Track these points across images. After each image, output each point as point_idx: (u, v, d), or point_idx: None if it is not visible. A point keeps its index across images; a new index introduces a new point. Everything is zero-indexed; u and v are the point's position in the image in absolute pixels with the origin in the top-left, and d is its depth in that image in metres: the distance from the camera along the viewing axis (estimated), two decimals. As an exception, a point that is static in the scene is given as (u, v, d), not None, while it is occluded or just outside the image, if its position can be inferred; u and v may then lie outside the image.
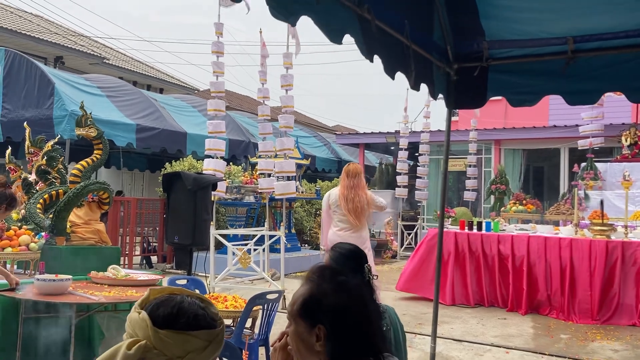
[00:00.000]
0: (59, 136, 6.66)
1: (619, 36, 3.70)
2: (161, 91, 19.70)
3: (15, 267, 4.56)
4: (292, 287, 8.11)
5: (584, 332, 6.10)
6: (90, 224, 4.93)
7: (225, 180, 8.69)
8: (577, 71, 3.86)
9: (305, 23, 2.53)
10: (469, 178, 12.78)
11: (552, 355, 5.23)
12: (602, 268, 6.44)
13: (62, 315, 3.96)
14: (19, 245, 4.45)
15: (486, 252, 7.31)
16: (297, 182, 10.31)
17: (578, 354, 5.27)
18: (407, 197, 13.05)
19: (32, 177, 5.25)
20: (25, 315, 3.66)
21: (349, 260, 2.33)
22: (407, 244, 13.14)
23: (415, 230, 13.32)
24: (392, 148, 15.52)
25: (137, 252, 10.89)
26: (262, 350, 4.43)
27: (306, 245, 12.43)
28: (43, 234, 4.64)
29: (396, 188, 12.81)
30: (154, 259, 10.98)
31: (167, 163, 11.02)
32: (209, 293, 5.28)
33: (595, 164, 10.34)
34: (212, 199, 7.17)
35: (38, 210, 4.73)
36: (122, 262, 8.90)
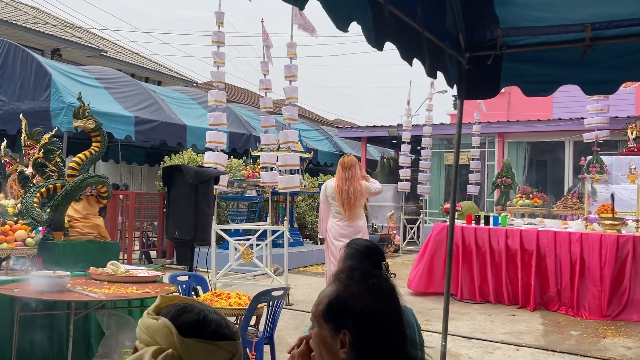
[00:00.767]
0: (57, 129, 6.51)
1: (638, 23, 3.55)
2: (159, 84, 19.50)
3: (11, 262, 4.41)
4: (296, 283, 8.01)
5: (594, 328, 5.97)
6: (89, 219, 4.79)
7: (227, 173, 8.53)
8: (595, 60, 3.71)
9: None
10: (472, 172, 12.64)
11: (563, 353, 5.10)
12: (613, 263, 6.31)
13: (59, 313, 3.83)
14: (15, 241, 4.30)
15: (494, 247, 7.17)
16: (300, 176, 10.17)
17: (590, 351, 5.15)
18: (409, 191, 12.91)
19: (29, 171, 5.09)
20: (21, 313, 3.51)
21: (365, 257, 2.20)
22: (410, 238, 13.02)
23: (417, 224, 13.19)
24: (394, 141, 15.37)
25: (136, 247, 10.75)
26: (266, 348, 4.30)
27: (308, 239, 12.29)
28: (40, 228, 4.49)
29: (398, 182, 12.68)
30: (153, 254, 10.84)
31: (166, 156, 10.83)
32: (211, 289, 5.14)
33: (601, 157, 10.20)
34: (214, 193, 7.02)
35: (35, 205, 4.58)
36: (121, 258, 8.77)
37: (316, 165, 15.13)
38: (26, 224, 4.58)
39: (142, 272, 4.39)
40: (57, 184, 4.78)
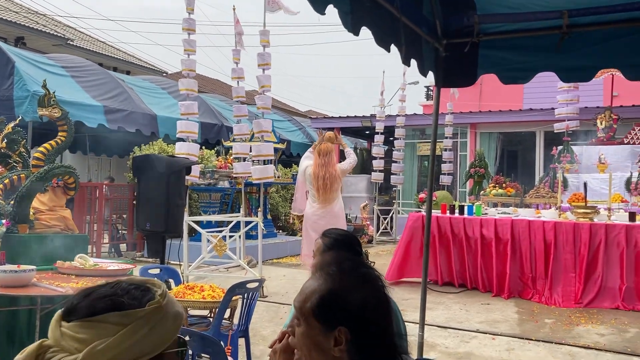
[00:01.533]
0: (20, 118, 6.25)
1: (615, 9, 3.52)
2: (128, 73, 19.08)
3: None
4: (270, 275, 7.91)
5: (567, 316, 6.03)
6: (55, 211, 4.63)
7: (199, 164, 8.37)
8: (572, 47, 3.68)
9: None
10: (445, 162, 12.71)
11: (538, 341, 5.13)
12: (586, 251, 6.38)
13: (25, 309, 3.68)
14: (-23, 234, 4.12)
15: (469, 235, 7.20)
16: (274, 167, 10.06)
17: (564, 338, 5.19)
18: (382, 181, 12.92)
19: (-9, 161, 4.89)
20: (-17, 309, 3.36)
21: (345, 246, 2.12)
22: (383, 229, 13.04)
23: (390, 215, 13.21)
24: (367, 132, 15.35)
25: (106, 240, 10.51)
26: (241, 342, 4.21)
27: (281, 231, 12.20)
28: (4, 221, 4.32)
29: (372, 173, 12.67)
30: (122, 247, 10.62)
31: (136, 147, 10.57)
32: (184, 282, 5.02)
33: (571, 147, 10.33)
34: (186, 184, 6.87)
35: (-2, 196, 4.39)
36: (90, 251, 8.55)
37: (289, 157, 15.01)
38: (-12, 216, 4.39)
39: (112, 265, 4.26)
40: (21, 175, 4.61)
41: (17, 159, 4.93)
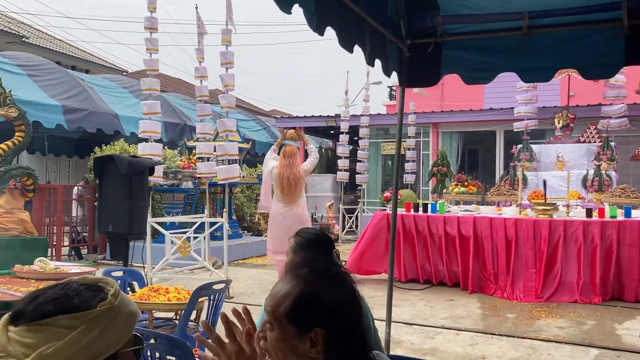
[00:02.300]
0: (-26, 118, 6.04)
1: (572, 12, 3.64)
2: (87, 72, 18.67)
3: None
4: (236, 276, 7.85)
5: (529, 310, 6.17)
6: (13, 213, 4.50)
7: (162, 164, 8.24)
8: (532, 48, 3.78)
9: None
10: (408, 161, 12.87)
11: (501, 335, 5.24)
12: (546, 247, 6.55)
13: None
14: None
15: (433, 233, 7.32)
16: (239, 166, 9.99)
17: (526, 332, 5.31)
18: (347, 180, 12.98)
19: (-56, 163, 4.71)
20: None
21: (317, 245, 2.12)
22: (349, 228, 13.11)
23: (356, 213, 13.28)
24: (332, 132, 15.39)
25: (66, 243, 10.26)
26: (208, 344, 4.16)
27: (247, 231, 12.12)
28: (-42, 225, 4.17)
29: (337, 172, 12.72)
30: (83, 250, 10.38)
31: (97, 147, 10.34)
32: (147, 284, 4.93)
33: (530, 145, 10.59)
34: (149, 184, 6.76)
35: (-49, 199, 4.24)
36: (49, 254, 8.32)
37: (254, 156, 14.94)
38: (-59, 220, 4.24)
39: (73, 268, 4.17)
40: (-24, 177, 4.45)
41: (-29, 160, 4.77)
